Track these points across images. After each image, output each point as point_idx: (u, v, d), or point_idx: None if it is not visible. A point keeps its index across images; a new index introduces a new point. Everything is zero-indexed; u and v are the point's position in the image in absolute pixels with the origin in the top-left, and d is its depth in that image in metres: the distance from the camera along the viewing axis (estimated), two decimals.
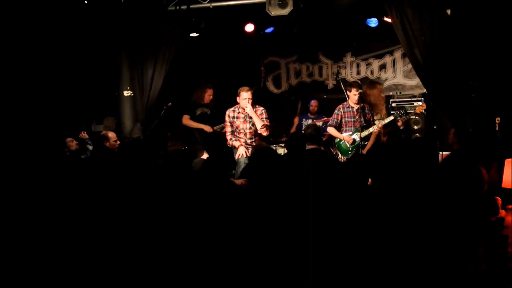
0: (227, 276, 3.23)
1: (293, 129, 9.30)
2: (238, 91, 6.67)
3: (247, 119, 6.74)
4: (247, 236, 3.36)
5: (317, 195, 3.75)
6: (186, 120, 7.92)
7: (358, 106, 7.46)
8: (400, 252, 3.13)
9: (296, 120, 9.40)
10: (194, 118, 7.94)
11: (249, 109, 6.55)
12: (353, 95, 7.34)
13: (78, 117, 7.37)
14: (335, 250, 3.24)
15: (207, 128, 7.79)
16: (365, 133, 7.33)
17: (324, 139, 8.14)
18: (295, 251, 3.28)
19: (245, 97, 6.59)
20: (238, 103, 6.75)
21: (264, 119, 6.69)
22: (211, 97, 8.01)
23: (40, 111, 6.74)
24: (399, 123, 7.29)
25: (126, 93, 7.25)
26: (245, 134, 6.77)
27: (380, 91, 8.17)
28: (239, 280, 3.19)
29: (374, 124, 7.43)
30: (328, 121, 8.56)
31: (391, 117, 7.50)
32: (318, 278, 3.12)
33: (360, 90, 7.45)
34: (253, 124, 6.74)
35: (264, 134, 6.71)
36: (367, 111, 7.55)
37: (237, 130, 6.77)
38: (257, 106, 6.80)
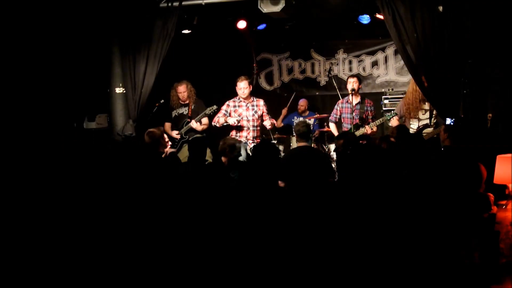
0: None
1: (279, 121, 9.18)
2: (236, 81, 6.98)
3: (249, 106, 6.92)
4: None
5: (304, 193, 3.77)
6: (167, 130, 7.61)
7: (357, 101, 7.38)
8: (393, 248, 3.14)
9: (284, 111, 9.29)
10: (172, 123, 7.76)
11: None
12: (348, 86, 7.34)
13: (69, 114, 7.34)
14: (326, 245, 3.25)
15: (174, 135, 7.57)
16: (359, 132, 7.16)
17: (315, 135, 8.11)
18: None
19: (240, 87, 6.91)
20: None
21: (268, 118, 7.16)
22: (182, 94, 7.63)
23: (30, 108, 6.68)
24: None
25: (118, 90, 7.21)
26: (248, 121, 6.92)
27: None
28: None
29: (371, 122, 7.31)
30: (319, 118, 8.56)
31: (384, 118, 7.41)
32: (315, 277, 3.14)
33: (355, 79, 7.38)
34: (256, 112, 7.01)
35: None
36: (366, 108, 7.40)
37: (240, 118, 6.92)
38: (256, 98, 7.03)
